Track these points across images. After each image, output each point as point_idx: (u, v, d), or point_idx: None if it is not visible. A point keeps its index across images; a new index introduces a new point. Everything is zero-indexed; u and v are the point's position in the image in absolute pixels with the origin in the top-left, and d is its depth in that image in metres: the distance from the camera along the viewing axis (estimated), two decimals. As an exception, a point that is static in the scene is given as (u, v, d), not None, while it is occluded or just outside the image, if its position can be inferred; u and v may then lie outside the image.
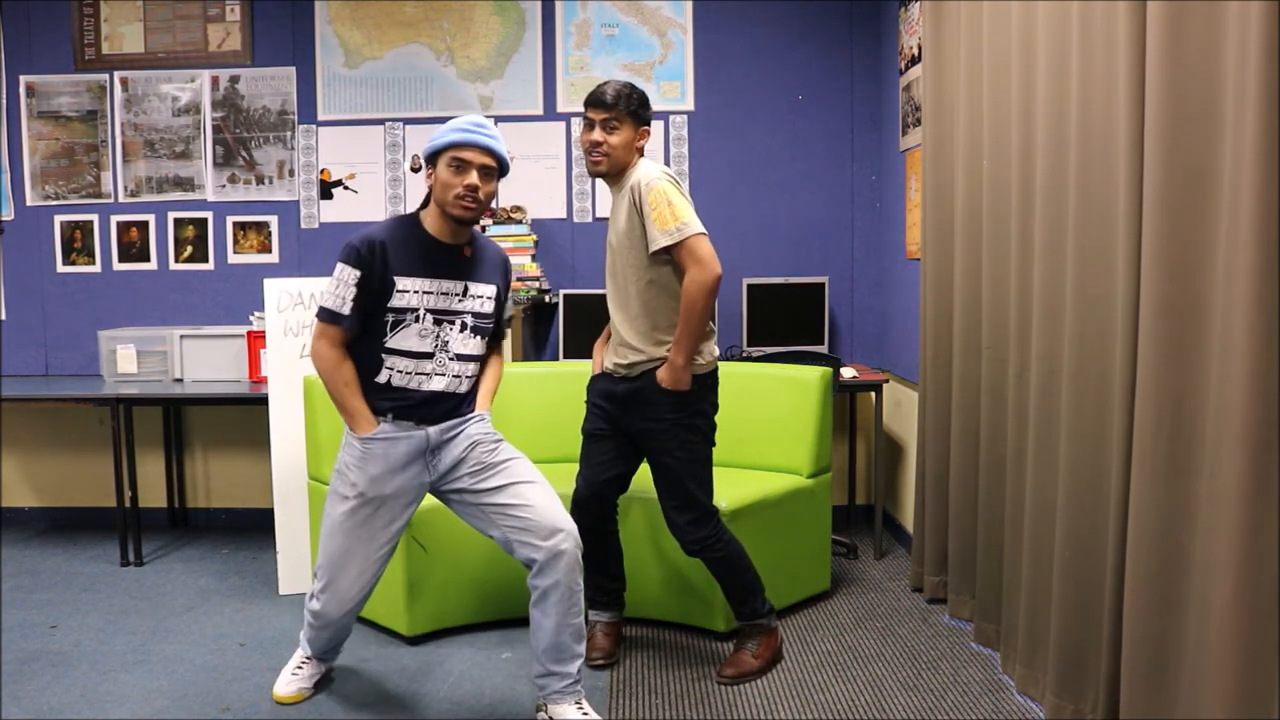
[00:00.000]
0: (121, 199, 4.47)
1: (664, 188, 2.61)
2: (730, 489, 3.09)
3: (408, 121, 4.39)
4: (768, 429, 3.42)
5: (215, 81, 4.42)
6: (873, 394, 4.01)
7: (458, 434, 2.53)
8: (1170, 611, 1.97)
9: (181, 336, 4.07)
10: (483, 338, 2.57)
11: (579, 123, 4.20)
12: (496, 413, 2.81)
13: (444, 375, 2.50)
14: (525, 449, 2.63)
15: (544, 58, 4.38)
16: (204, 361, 4.07)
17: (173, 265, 4.46)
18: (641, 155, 2.74)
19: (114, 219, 4.46)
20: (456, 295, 2.51)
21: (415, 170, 4.37)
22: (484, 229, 4.08)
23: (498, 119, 4.35)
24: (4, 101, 4.46)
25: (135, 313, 4.47)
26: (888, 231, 4.27)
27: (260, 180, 4.44)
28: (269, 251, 4.45)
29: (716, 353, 2.80)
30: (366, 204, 4.42)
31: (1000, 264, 2.83)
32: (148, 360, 4.09)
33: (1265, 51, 1.65)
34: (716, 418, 2.80)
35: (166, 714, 2.63)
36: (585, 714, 2.46)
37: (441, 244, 2.50)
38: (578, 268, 4.39)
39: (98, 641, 3.13)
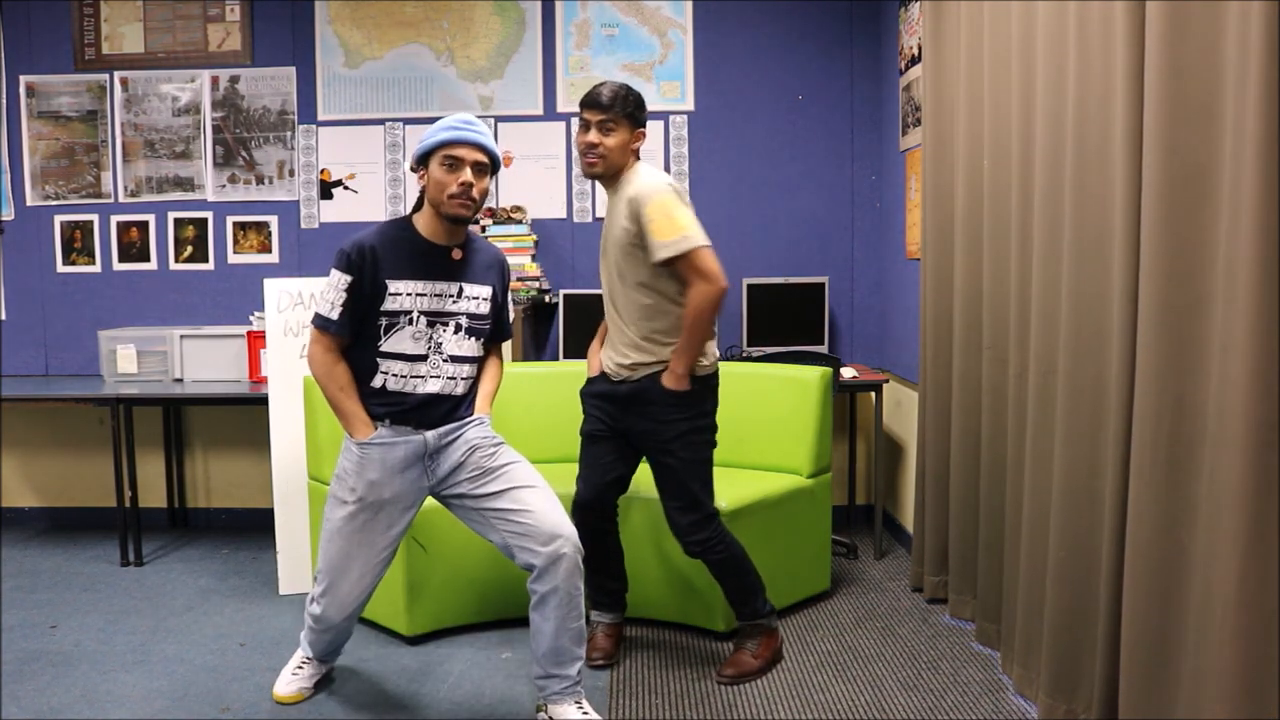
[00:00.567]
0: (121, 199, 4.47)
1: (664, 199, 2.58)
2: (730, 489, 3.09)
3: (408, 121, 4.39)
4: (768, 429, 3.42)
5: (215, 81, 4.42)
6: (873, 394, 4.01)
7: (456, 438, 2.52)
8: (1170, 612, 1.97)
9: (181, 336, 4.08)
10: (478, 339, 2.56)
11: (578, 123, 4.19)
12: (497, 413, 2.81)
13: (438, 377, 2.50)
14: (525, 449, 2.63)
15: (544, 58, 4.38)
16: (204, 361, 4.07)
17: (173, 265, 4.46)
18: (637, 157, 2.73)
19: (114, 219, 4.46)
20: (451, 297, 2.50)
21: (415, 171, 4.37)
22: (484, 229, 4.08)
23: (498, 119, 4.35)
24: (4, 101, 4.46)
25: (135, 313, 4.47)
26: (888, 231, 4.27)
27: (260, 180, 4.44)
28: (269, 251, 4.44)
29: (717, 354, 2.80)
30: (366, 204, 4.42)
31: (1000, 263, 2.82)
32: (148, 360, 4.09)
33: (1266, 49, 1.64)
34: (717, 418, 2.80)
35: (166, 714, 2.63)
36: (585, 714, 2.46)
37: (434, 246, 2.49)
38: (578, 268, 4.39)
39: (98, 641, 3.13)
